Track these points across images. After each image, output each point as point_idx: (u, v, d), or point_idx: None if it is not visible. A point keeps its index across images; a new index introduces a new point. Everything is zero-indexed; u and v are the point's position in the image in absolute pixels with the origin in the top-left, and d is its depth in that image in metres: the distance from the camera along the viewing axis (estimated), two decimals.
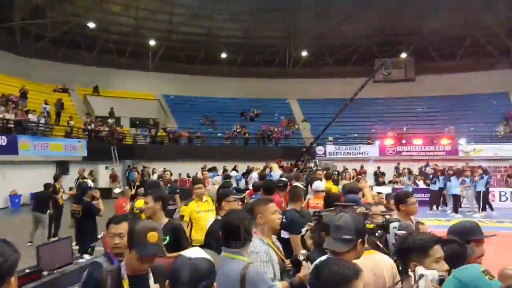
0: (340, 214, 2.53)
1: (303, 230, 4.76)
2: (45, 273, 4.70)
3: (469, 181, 14.76)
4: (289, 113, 29.50)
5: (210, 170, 15.07)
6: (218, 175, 12.31)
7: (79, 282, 3.04)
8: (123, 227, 2.85)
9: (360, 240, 2.33)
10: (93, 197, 6.81)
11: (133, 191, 9.33)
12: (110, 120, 24.42)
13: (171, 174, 13.49)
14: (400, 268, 2.00)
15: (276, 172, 12.21)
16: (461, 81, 26.65)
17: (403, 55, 28.79)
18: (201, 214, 5.38)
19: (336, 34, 27.82)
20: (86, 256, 5.60)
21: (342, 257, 2.26)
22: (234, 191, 5.81)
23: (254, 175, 12.81)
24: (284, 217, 5.14)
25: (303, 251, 3.50)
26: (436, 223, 12.84)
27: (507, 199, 16.26)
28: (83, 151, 19.92)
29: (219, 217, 4.07)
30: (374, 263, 2.71)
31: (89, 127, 22.56)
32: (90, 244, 6.30)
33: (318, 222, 3.77)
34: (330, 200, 4.81)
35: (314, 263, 2.08)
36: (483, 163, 19.06)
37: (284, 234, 4.96)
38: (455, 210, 14.85)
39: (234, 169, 17.37)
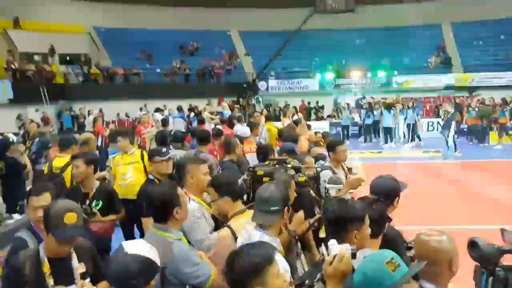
0: (265, 185, 2.58)
1: (239, 180, 4.88)
2: None
3: (400, 114, 15.63)
4: (230, 46, 28.70)
5: (156, 110, 14.41)
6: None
7: (7, 246, 2.93)
8: (45, 198, 2.71)
9: (285, 208, 2.44)
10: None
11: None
12: (36, 57, 22.43)
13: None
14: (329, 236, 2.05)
15: (226, 111, 12.16)
16: (397, 13, 27.07)
17: None
18: (120, 167, 5.08)
19: None
20: (16, 216, 5.37)
21: (268, 227, 2.39)
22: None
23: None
24: (220, 168, 5.22)
25: None
26: (369, 155, 13.69)
27: (434, 128, 17.50)
28: (8, 92, 18.35)
29: (151, 176, 4.00)
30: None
31: (12, 66, 20.63)
32: (17, 203, 5.98)
33: (251, 177, 3.84)
34: (262, 151, 4.89)
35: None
36: (414, 95, 20.16)
37: None
38: (386, 141, 15.83)
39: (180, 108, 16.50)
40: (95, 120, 12.02)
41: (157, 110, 14.69)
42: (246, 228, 2.49)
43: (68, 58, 24.82)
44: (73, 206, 2.24)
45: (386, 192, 2.74)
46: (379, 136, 17.16)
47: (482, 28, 26.41)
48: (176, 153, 5.00)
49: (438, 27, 27.81)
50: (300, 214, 3.05)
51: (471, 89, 22.07)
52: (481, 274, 1.59)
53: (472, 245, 1.65)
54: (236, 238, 2.58)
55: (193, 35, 27.96)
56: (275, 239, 2.35)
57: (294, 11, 26.13)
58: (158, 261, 1.84)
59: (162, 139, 6.12)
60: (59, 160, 4.86)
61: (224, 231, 2.74)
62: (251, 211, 2.60)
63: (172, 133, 7.53)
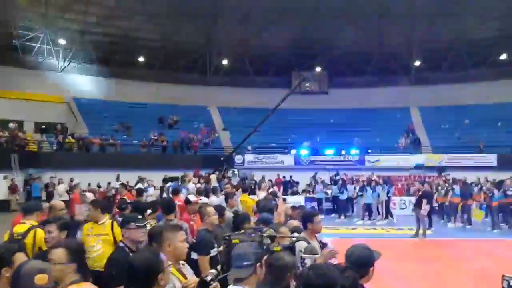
0: (239, 244, 2.77)
1: (213, 251, 4.74)
2: None
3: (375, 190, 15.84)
4: (209, 121, 29.38)
5: (169, 180, 14.11)
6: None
7: None
8: (59, 254, 2.66)
9: (258, 264, 2.60)
10: None
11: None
12: (11, 125, 22.23)
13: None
14: None
15: (190, 186, 11.96)
16: (368, 96, 28.77)
17: (318, 69, 30.49)
18: (89, 238, 4.95)
19: (256, 43, 28.50)
20: None
21: (243, 282, 2.56)
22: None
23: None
24: (195, 237, 5.09)
25: (212, 271, 3.46)
26: (343, 231, 13.62)
27: (406, 207, 17.76)
28: None
29: (121, 244, 3.85)
30: None
31: None
32: None
33: (226, 245, 3.75)
34: (238, 219, 4.87)
35: None
36: (386, 173, 20.68)
37: (194, 255, 4.88)
38: (363, 217, 15.85)
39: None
40: (74, 187, 11.77)
41: (140, 180, 14.51)
42: None
43: (43, 127, 24.68)
44: (44, 267, 2.21)
45: (360, 261, 2.72)
46: (352, 212, 17.26)
47: (448, 113, 28.19)
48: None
49: (407, 110, 29.51)
50: None
51: (441, 169, 22.88)
52: None
53: None
54: None
55: (173, 109, 28.64)
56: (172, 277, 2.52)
57: (271, 91, 27.45)
58: None
59: (139, 209, 5.99)
60: (21, 226, 4.66)
61: None
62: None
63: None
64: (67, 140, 23.43)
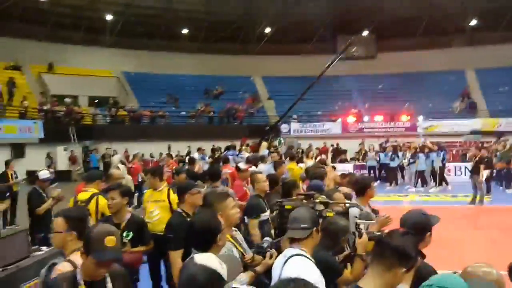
0: (297, 209, 2.80)
1: (263, 215, 4.82)
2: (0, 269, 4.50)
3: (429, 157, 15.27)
4: (253, 90, 29.35)
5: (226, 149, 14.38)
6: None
7: (37, 277, 2.91)
8: (58, 223, 2.71)
9: (315, 228, 2.64)
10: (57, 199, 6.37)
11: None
12: (67, 100, 23.41)
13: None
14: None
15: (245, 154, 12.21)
16: (419, 59, 27.30)
17: (365, 33, 29.14)
18: (148, 204, 5.25)
19: (299, 10, 27.66)
20: (44, 248, 5.39)
21: (301, 243, 2.61)
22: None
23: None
24: (246, 202, 5.22)
25: (267, 238, 3.52)
26: (395, 198, 13.37)
27: (461, 173, 17.06)
28: (39, 132, 19.07)
29: (178, 210, 3.99)
30: None
31: (44, 107, 21.56)
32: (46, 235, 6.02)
33: (279, 211, 3.79)
34: (285, 187, 4.90)
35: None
36: (439, 139, 19.88)
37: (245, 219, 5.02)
38: (422, 185, 15.37)
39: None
40: (135, 157, 12.42)
41: (198, 149, 15.04)
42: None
43: (96, 101, 25.80)
44: (113, 230, 2.33)
45: (416, 226, 2.66)
46: (403, 180, 16.85)
47: (506, 74, 26.27)
48: None
49: (462, 72, 27.84)
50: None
51: (499, 134, 21.62)
52: None
53: None
54: None
55: (218, 80, 28.81)
56: (305, 252, 2.55)
57: (315, 57, 26.76)
58: (225, 276, 1.89)
59: (192, 176, 6.21)
60: (84, 194, 4.91)
61: None
62: None
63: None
64: (119, 113, 24.37)
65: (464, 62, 27.09)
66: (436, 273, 2.46)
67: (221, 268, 1.89)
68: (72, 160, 20.40)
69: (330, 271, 2.86)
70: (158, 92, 27.35)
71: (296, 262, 2.48)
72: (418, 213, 2.84)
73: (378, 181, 16.94)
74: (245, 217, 4.98)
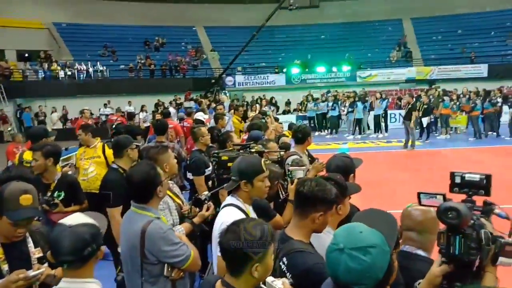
0: (238, 159, 2.76)
1: (207, 170, 4.89)
2: None
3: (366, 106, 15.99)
4: (196, 42, 28.48)
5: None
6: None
7: None
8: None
9: (244, 181, 2.55)
10: None
11: None
12: None
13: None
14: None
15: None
16: (361, 8, 27.69)
17: None
18: (82, 162, 5.13)
19: None
20: None
21: (236, 193, 2.60)
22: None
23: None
24: (189, 158, 5.23)
25: (205, 192, 3.60)
26: (334, 146, 13.98)
27: (396, 120, 18.05)
28: None
29: (114, 165, 3.95)
30: None
31: None
32: None
33: (216, 162, 3.87)
34: (220, 138, 4.96)
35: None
36: (377, 88, 20.71)
37: (189, 175, 5.06)
38: (360, 132, 16.20)
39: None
40: (81, 114, 11.73)
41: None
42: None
43: (26, 55, 23.88)
44: (28, 187, 2.18)
45: (339, 169, 2.83)
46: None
47: (440, 23, 27.43)
48: None
49: (399, 21, 28.64)
50: None
51: (431, 82, 22.87)
52: (451, 238, 1.58)
53: (449, 210, 1.54)
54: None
55: (158, 30, 27.57)
56: (240, 201, 2.57)
57: (259, 6, 26.26)
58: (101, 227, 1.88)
59: (132, 132, 6.08)
60: (29, 153, 4.70)
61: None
62: None
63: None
64: (52, 67, 22.82)
65: (401, 11, 27.82)
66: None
67: (93, 220, 1.86)
68: (3, 119, 19.11)
69: (262, 216, 3.01)
70: (94, 45, 25.76)
71: (224, 212, 2.56)
72: (341, 157, 3.02)
73: (321, 131, 17.59)
74: (188, 173, 5.03)
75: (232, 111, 10.67)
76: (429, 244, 2.03)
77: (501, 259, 1.52)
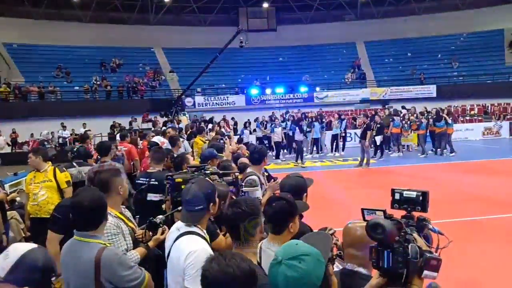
0: (188, 186, 2.55)
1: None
2: None
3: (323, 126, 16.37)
4: (154, 63, 28.28)
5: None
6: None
7: None
8: None
9: (211, 204, 2.47)
10: None
11: None
12: None
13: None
14: None
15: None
16: (316, 32, 28.68)
17: (265, 5, 29.58)
18: (31, 186, 4.92)
19: None
20: None
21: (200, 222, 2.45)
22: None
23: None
24: (151, 179, 5.10)
25: (160, 216, 3.52)
26: (293, 166, 14.15)
27: (352, 139, 18.59)
28: None
29: None
30: None
31: None
32: None
33: (170, 185, 3.79)
34: (176, 160, 4.94)
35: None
36: (333, 108, 21.31)
37: (151, 197, 4.91)
38: (318, 151, 16.49)
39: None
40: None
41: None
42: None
43: None
44: None
45: (293, 189, 2.87)
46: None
47: (392, 46, 28.89)
48: (81, 169, 4.82)
49: (353, 45, 29.86)
50: None
51: (385, 102, 23.85)
52: (380, 252, 1.63)
53: (375, 227, 1.60)
54: None
55: (115, 51, 27.18)
56: (204, 232, 2.44)
57: (218, 29, 26.62)
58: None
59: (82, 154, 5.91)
60: None
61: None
62: None
63: (75, 149, 7.29)
64: (1, 89, 21.85)
65: (354, 35, 29.07)
66: (312, 231, 2.70)
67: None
68: None
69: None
70: (48, 66, 24.98)
71: (185, 240, 2.41)
72: (295, 177, 3.07)
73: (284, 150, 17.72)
74: (149, 194, 4.91)
75: (189, 132, 10.60)
76: (368, 260, 2.07)
77: (425, 272, 1.58)
